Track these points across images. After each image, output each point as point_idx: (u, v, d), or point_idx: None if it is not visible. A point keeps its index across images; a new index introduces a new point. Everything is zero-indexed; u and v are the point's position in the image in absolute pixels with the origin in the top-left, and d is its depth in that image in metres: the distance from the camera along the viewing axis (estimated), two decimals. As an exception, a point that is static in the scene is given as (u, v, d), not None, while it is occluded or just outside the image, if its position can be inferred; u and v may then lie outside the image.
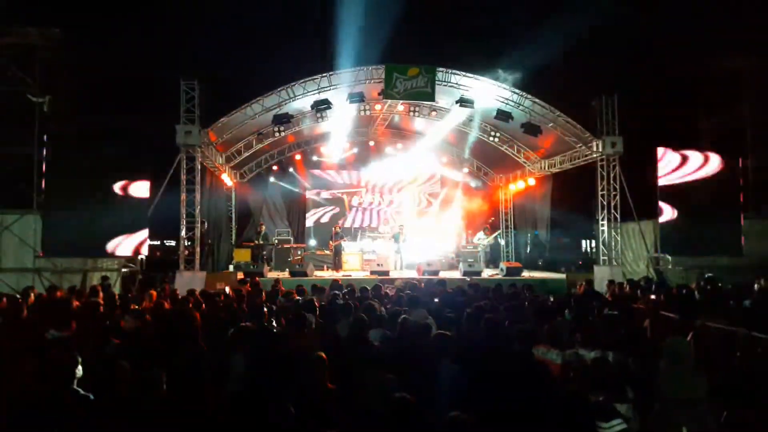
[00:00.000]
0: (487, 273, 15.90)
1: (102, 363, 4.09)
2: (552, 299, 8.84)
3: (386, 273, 15.22)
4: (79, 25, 17.71)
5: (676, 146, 15.82)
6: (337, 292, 8.92)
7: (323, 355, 3.81)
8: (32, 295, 8.25)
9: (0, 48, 14.10)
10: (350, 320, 6.00)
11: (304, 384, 3.72)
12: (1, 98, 14.18)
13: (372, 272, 15.39)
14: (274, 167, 19.85)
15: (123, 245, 13.42)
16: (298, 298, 8.15)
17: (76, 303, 7.49)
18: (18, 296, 7.76)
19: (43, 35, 14.12)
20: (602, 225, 15.42)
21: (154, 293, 8.71)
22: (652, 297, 8.99)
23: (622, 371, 4.02)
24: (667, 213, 15.27)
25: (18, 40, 14.09)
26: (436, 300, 8.17)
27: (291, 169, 20.22)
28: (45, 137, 13.46)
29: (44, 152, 13.33)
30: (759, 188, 16.36)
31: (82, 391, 3.73)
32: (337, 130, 18.90)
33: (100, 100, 16.99)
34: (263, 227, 17.66)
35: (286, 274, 15.14)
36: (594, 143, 15.08)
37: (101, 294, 8.71)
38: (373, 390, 3.75)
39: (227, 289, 10.31)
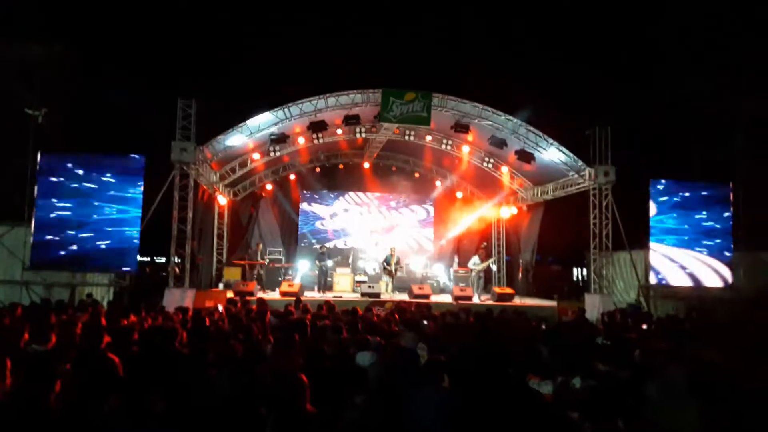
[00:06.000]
0: (478, 298, 15.85)
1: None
2: (543, 327, 8.79)
3: (377, 295, 15.15)
4: (79, 41, 17.80)
5: (668, 177, 15.99)
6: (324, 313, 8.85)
7: (303, 376, 3.75)
8: (19, 309, 8.14)
9: (0, 60, 14.13)
10: (336, 341, 5.94)
11: (283, 406, 3.64)
12: (-2, 110, 14.21)
13: (363, 294, 15.31)
14: (268, 186, 19.81)
15: (113, 260, 13.34)
16: (287, 317, 8.06)
17: (63, 317, 7.38)
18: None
19: (43, 49, 14.17)
20: (594, 253, 15.44)
21: (143, 310, 8.63)
22: (644, 326, 8.97)
23: (613, 401, 3.97)
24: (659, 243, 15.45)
25: (18, 53, 14.12)
26: (426, 323, 8.11)
27: (285, 189, 20.19)
28: (39, 150, 13.42)
29: (38, 165, 13.27)
30: (749, 220, 16.47)
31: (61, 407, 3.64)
32: (332, 151, 19.03)
33: (97, 115, 17.00)
34: (260, 246, 17.54)
35: (276, 294, 15.05)
36: (587, 172, 15.17)
37: (90, 309, 8.62)
38: (359, 413, 3.69)
39: (219, 307, 10.22)
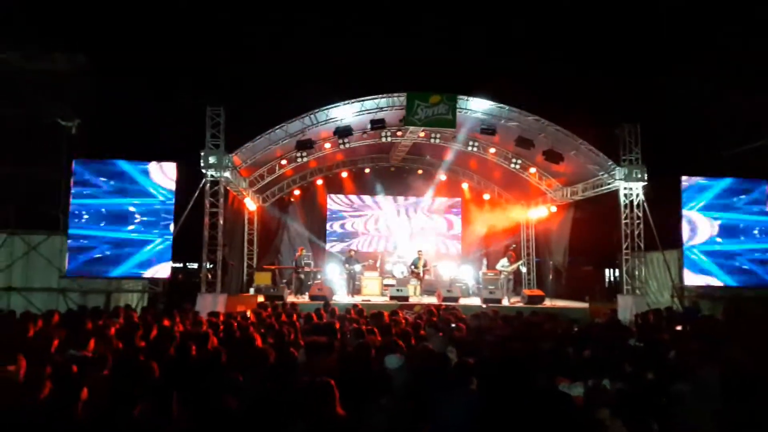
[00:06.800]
0: (507, 301, 15.73)
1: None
2: (576, 329, 8.70)
3: (405, 298, 15.15)
4: (107, 51, 18.22)
5: (701, 175, 15.63)
6: (357, 316, 8.88)
7: (331, 380, 3.78)
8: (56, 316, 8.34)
9: (30, 73, 14.53)
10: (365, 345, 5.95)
11: (313, 410, 3.67)
12: (32, 121, 14.57)
13: (391, 297, 15.33)
14: (296, 192, 19.98)
15: (147, 267, 13.62)
16: (316, 321, 8.11)
17: (99, 323, 7.55)
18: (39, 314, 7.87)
19: (71, 61, 14.54)
20: (626, 254, 15.18)
21: (177, 315, 8.78)
22: (678, 328, 8.81)
23: (646, 403, 3.92)
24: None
25: (47, 65, 14.51)
26: (455, 325, 8.09)
27: (312, 194, 20.35)
28: (73, 160, 13.77)
29: (72, 173, 13.61)
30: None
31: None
32: (358, 155, 19.12)
33: (127, 123, 17.34)
34: (302, 251, 17.64)
35: (305, 298, 15.18)
36: (617, 171, 14.95)
37: (123, 315, 8.80)
38: (386, 416, 3.71)
39: (248, 313, 10.33)
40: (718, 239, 15.29)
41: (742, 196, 15.52)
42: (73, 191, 13.55)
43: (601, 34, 23.71)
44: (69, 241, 13.42)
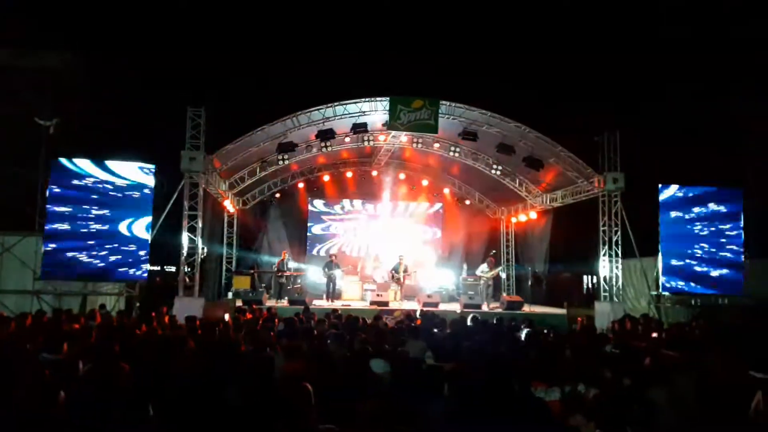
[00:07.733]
0: (487, 306, 15.78)
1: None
2: (552, 335, 8.75)
3: (386, 304, 15.13)
4: (88, 51, 17.98)
5: (678, 183, 15.82)
6: (335, 321, 8.86)
7: (308, 385, 3.76)
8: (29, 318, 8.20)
9: (13, 70, 14.33)
10: (348, 350, 5.94)
11: (290, 415, 3.65)
12: (10, 120, 14.35)
13: (371, 302, 15.31)
14: (277, 195, 19.87)
15: (123, 269, 13.43)
16: (296, 326, 8.08)
17: (75, 326, 7.44)
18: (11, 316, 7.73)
19: (55, 58, 14.37)
20: (603, 261, 15.34)
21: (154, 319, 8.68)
22: (654, 335, 8.92)
23: (622, 409, 3.95)
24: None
25: (31, 63, 14.32)
26: (435, 331, 8.11)
27: (293, 198, 20.25)
28: (50, 160, 13.55)
29: (48, 174, 13.38)
30: (760, 227, 16.28)
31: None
32: (340, 159, 19.07)
33: (106, 124, 17.14)
34: (286, 255, 17.47)
35: (284, 302, 15.09)
36: (596, 179, 15.11)
37: (99, 318, 8.68)
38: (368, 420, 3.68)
39: (226, 317, 10.24)
40: (694, 247, 15.50)
41: (720, 207, 15.70)
42: (49, 192, 13.31)
43: (581, 40, 23.97)
44: (45, 242, 13.17)
